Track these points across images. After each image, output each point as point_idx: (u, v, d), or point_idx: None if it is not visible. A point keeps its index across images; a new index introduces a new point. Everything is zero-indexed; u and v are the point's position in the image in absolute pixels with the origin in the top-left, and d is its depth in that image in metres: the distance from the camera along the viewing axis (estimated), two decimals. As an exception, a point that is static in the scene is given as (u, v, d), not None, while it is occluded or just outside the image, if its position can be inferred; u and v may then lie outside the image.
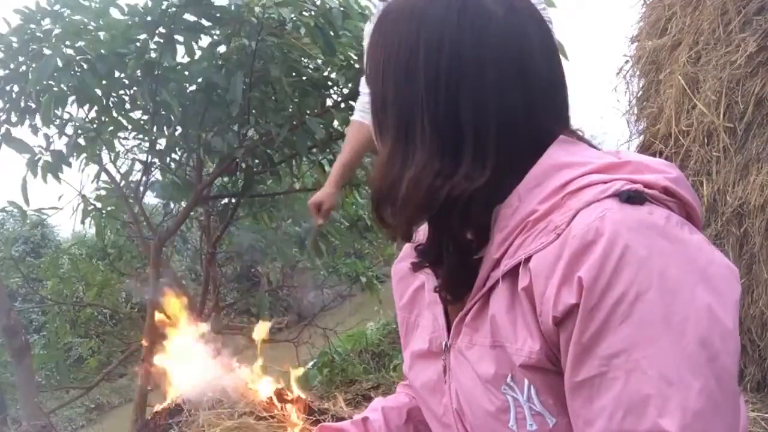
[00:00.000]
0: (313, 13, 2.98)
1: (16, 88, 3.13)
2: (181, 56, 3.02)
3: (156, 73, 2.96)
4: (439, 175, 0.66)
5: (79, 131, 3.21)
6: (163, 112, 3.20)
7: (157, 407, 2.60)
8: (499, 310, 0.67)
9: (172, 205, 4.11)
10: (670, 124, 2.76)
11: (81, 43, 2.91)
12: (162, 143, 3.40)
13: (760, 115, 2.45)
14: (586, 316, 0.58)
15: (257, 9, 2.73)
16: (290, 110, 3.31)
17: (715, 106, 2.53)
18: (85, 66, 2.90)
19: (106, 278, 4.74)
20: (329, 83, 3.35)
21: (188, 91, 3.18)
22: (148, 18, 2.85)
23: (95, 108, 3.19)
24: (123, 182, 3.55)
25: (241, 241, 4.20)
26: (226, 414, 2.32)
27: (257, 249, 4.17)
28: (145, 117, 3.31)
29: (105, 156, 3.46)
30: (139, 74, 2.99)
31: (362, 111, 2.34)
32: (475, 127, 0.66)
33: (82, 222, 3.74)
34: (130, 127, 3.38)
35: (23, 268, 5.53)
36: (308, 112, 3.28)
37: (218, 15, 2.94)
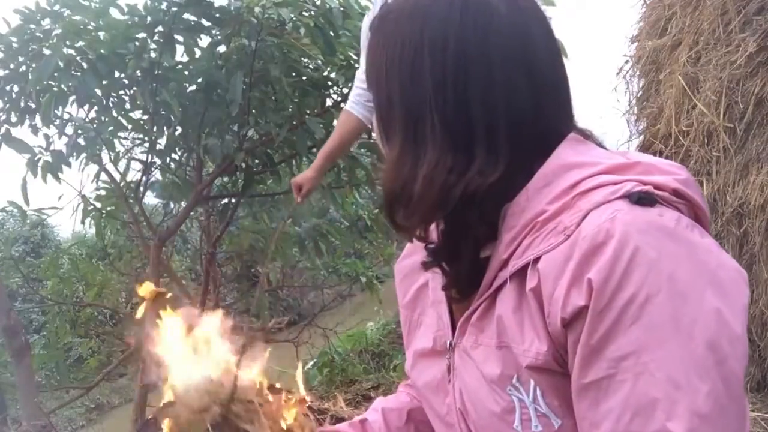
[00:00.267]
0: (312, 13, 2.98)
1: (16, 88, 3.13)
2: (180, 56, 3.03)
3: (156, 73, 2.96)
4: (453, 172, 0.65)
5: (79, 131, 3.20)
6: (163, 112, 3.20)
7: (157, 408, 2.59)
8: (506, 310, 0.66)
9: (172, 205, 4.10)
10: (670, 124, 2.77)
11: (81, 43, 2.90)
12: (162, 143, 3.40)
13: (760, 115, 2.45)
14: (596, 318, 0.58)
15: (257, 9, 2.72)
16: (290, 110, 3.31)
17: (715, 106, 2.53)
18: (85, 66, 2.89)
19: (106, 278, 4.75)
20: (329, 83, 3.35)
21: (188, 91, 3.18)
22: (148, 18, 2.85)
23: (95, 108, 3.19)
24: (123, 182, 3.54)
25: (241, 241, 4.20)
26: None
27: (257, 249, 4.17)
28: (145, 117, 3.31)
29: (105, 156, 3.46)
30: (139, 74, 2.99)
31: (353, 102, 2.43)
32: (487, 124, 0.66)
33: (82, 222, 3.73)
34: (130, 127, 3.37)
35: (23, 268, 5.52)
36: (308, 112, 3.29)
37: (218, 15, 2.94)
